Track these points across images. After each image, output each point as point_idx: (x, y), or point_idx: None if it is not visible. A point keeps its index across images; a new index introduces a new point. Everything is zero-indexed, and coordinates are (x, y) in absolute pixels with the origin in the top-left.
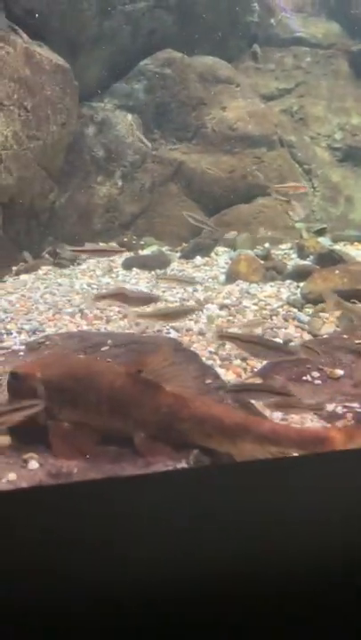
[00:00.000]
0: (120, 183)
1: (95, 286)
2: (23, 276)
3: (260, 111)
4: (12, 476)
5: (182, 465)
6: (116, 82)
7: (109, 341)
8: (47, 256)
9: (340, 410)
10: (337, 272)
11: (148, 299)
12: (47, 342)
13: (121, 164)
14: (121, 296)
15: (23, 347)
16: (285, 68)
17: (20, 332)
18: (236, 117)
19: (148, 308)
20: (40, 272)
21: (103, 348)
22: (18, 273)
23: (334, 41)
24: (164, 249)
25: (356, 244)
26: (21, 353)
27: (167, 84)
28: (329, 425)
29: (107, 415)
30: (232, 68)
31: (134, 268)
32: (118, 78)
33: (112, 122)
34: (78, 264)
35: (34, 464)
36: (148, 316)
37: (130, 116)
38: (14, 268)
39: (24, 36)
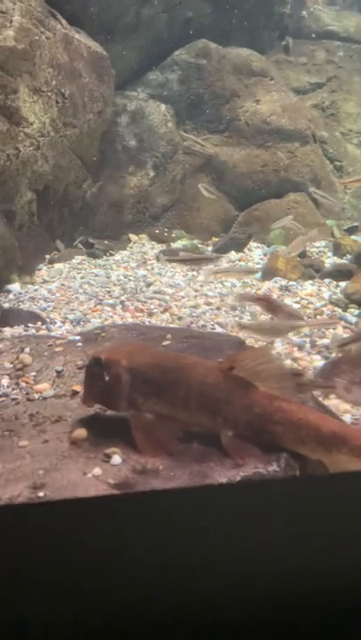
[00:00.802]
0: (152, 174)
1: (132, 278)
2: (57, 265)
3: (293, 105)
4: (97, 471)
5: (273, 468)
6: (150, 71)
7: (168, 335)
8: (80, 245)
9: None
10: None
11: (293, 314)
12: (103, 334)
13: (153, 154)
14: (266, 302)
15: (78, 337)
16: (317, 62)
17: (63, 322)
18: (270, 111)
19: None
20: (74, 261)
21: (164, 343)
22: (52, 262)
23: None
24: (194, 242)
25: None
26: (79, 344)
27: (202, 74)
28: None
29: (195, 410)
30: (266, 61)
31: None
32: (152, 67)
33: (145, 111)
34: (111, 254)
35: (117, 459)
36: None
37: (163, 107)
38: (48, 257)
39: (63, 21)
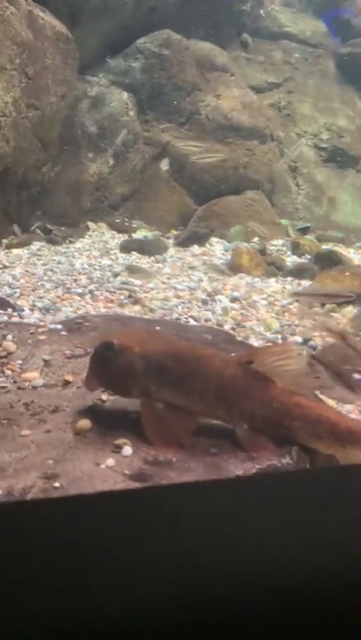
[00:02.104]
0: (111, 162)
1: (97, 267)
2: (16, 251)
3: (253, 103)
4: (110, 462)
5: (286, 460)
6: (113, 57)
7: (158, 328)
8: (38, 231)
9: None
10: (347, 274)
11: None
12: (86, 323)
13: (113, 142)
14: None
15: (60, 326)
16: (274, 62)
17: (32, 309)
18: (231, 107)
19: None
20: (33, 247)
21: None
22: (9, 247)
23: (321, 40)
24: (152, 233)
25: (340, 245)
26: (63, 332)
27: (164, 65)
28: None
29: (211, 402)
30: (227, 56)
31: (133, 252)
32: (115, 54)
33: (106, 98)
34: (71, 242)
35: (128, 450)
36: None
37: (125, 95)
38: (4, 241)
39: None
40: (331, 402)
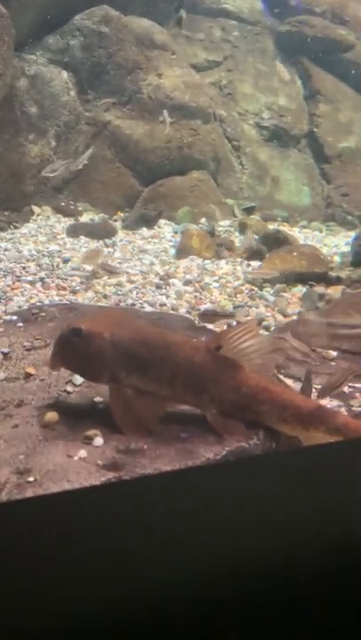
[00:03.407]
0: (53, 143)
1: (46, 253)
2: None
3: (196, 82)
4: (82, 453)
5: (254, 442)
6: (49, 34)
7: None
8: None
9: (346, 390)
10: (295, 254)
11: None
12: (42, 314)
13: (55, 122)
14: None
15: (16, 317)
16: (213, 40)
17: None
18: (173, 86)
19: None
20: None
21: None
22: None
23: (259, 18)
24: (99, 216)
25: (284, 224)
26: (20, 324)
27: (104, 43)
28: (345, 405)
29: (180, 388)
30: (168, 34)
31: (82, 236)
32: (51, 31)
33: (46, 77)
34: (16, 227)
35: (99, 440)
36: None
37: (65, 74)
38: None
39: None
40: (288, 381)
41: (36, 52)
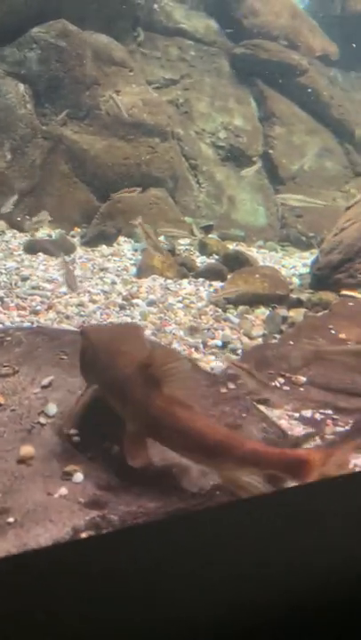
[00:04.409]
0: (9, 156)
1: (3, 271)
2: None
3: (154, 100)
4: (63, 490)
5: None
6: (5, 46)
7: None
8: None
9: (318, 417)
10: (257, 276)
11: None
12: (8, 338)
13: (10, 136)
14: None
15: None
16: (171, 59)
17: None
18: (131, 103)
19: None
20: None
21: None
22: None
23: (214, 39)
24: (56, 232)
25: (242, 243)
26: None
27: (62, 57)
28: (311, 440)
29: (117, 397)
30: (126, 51)
31: (40, 253)
32: (7, 42)
33: (2, 89)
34: None
35: (79, 476)
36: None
37: (22, 86)
38: None
39: None
40: (260, 406)
41: None
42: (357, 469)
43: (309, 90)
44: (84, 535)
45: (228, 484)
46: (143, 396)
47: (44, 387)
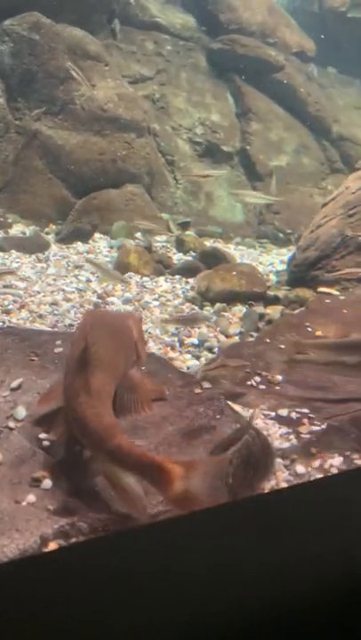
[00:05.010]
0: None
1: None
2: None
3: (129, 95)
4: (31, 497)
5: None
6: None
7: (58, 341)
8: None
9: (294, 415)
10: (234, 273)
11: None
12: None
13: None
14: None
15: None
16: (147, 53)
17: None
18: (107, 98)
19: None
20: None
21: (57, 350)
22: None
23: (191, 34)
24: (31, 229)
25: (219, 240)
26: None
27: (35, 50)
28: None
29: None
30: (101, 45)
31: (13, 251)
32: None
33: None
34: None
35: (48, 483)
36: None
37: None
38: None
39: None
40: (237, 407)
41: None
42: (333, 470)
43: (286, 86)
44: (52, 545)
45: (105, 478)
46: (70, 380)
47: (13, 389)
